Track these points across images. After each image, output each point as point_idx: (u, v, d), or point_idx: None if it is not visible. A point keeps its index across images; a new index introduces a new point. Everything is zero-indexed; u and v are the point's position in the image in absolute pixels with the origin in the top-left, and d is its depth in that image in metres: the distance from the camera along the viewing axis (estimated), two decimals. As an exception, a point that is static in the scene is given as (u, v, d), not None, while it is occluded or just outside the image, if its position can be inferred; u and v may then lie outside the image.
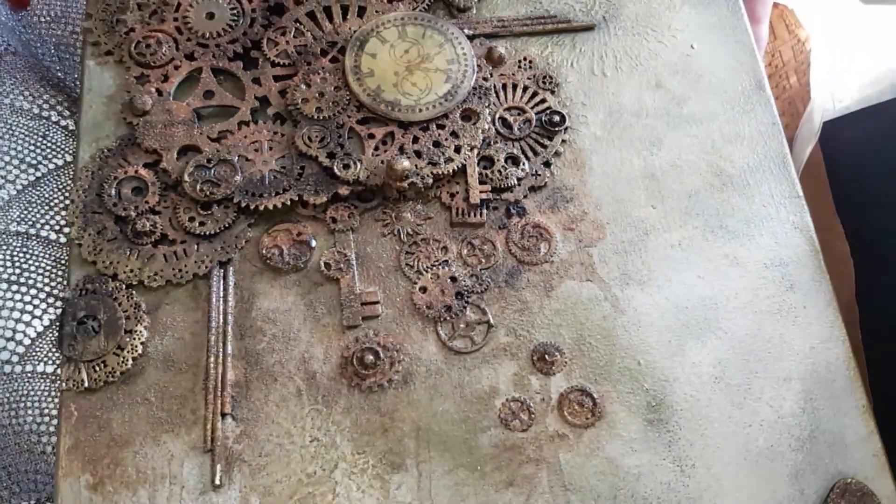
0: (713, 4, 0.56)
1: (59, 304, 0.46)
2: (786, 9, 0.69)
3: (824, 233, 0.59)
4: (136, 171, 0.48)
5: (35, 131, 0.50)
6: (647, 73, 0.53)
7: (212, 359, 0.44)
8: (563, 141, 0.51)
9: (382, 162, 0.48)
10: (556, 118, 0.51)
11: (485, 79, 0.51)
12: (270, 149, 0.49)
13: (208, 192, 0.47)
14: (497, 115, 0.51)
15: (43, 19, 0.56)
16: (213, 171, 0.48)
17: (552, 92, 0.52)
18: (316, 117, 0.49)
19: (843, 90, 0.67)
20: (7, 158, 0.48)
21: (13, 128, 0.49)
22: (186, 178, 0.47)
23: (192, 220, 0.47)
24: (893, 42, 0.69)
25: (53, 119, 0.51)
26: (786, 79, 0.68)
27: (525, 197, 0.49)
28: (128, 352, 0.44)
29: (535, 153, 0.50)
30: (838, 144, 0.64)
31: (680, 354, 0.46)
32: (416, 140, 0.49)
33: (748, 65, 0.54)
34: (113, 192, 0.47)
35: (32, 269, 0.47)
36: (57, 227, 0.48)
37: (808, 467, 0.44)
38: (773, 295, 0.47)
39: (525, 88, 0.52)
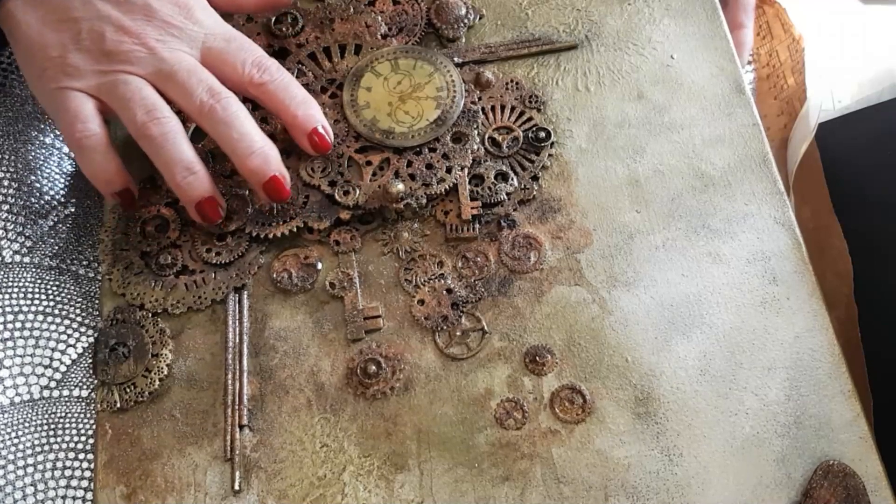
0: (692, 14, 0.58)
1: (90, 332, 0.51)
2: (781, 8, 0.70)
3: (822, 232, 0.61)
4: (159, 210, 0.53)
5: (65, 170, 0.55)
6: (629, 86, 0.56)
7: (230, 376, 0.48)
8: (550, 155, 0.54)
9: (380, 186, 0.52)
10: (543, 134, 0.54)
11: (473, 102, 0.55)
12: (277, 181, 0.53)
13: (222, 225, 0.51)
14: (486, 136, 0.54)
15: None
16: (226, 206, 0.52)
17: (538, 110, 0.55)
18: (318, 149, 0.53)
19: (842, 90, 0.68)
20: (40, 194, 0.53)
21: (47, 163, 0.55)
22: (203, 213, 0.52)
23: (209, 251, 0.51)
24: (893, 42, 0.70)
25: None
26: (783, 78, 0.69)
27: (515, 210, 0.52)
28: (155, 374, 0.48)
29: (524, 168, 0.53)
30: (837, 144, 0.65)
31: (666, 350, 0.48)
32: (410, 164, 0.53)
33: (727, 70, 0.56)
34: (138, 230, 0.52)
35: (65, 301, 0.51)
36: (85, 263, 0.53)
37: (795, 452, 0.45)
38: (756, 288, 0.49)
39: (512, 109, 0.55)
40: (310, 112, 0.51)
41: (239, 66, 0.50)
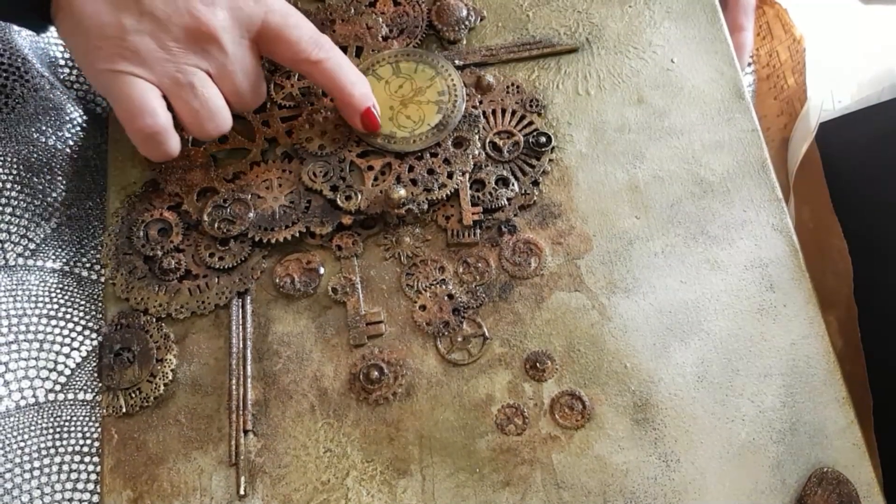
0: (693, 17, 0.58)
1: (94, 336, 0.51)
2: (781, 8, 0.70)
3: (822, 232, 0.61)
4: (161, 214, 0.53)
5: (67, 172, 0.56)
6: (630, 90, 0.56)
7: (234, 381, 0.49)
8: (551, 160, 0.54)
9: (381, 191, 0.52)
10: (543, 139, 0.54)
11: (474, 107, 0.55)
12: (280, 185, 0.53)
13: (225, 230, 0.52)
14: (487, 140, 0.54)
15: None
16: (228, 210, 0.52)
17: (539, 114, 0.55)
18: (319, 154, 0.53)
19: (842, 90, 0.68)
20: (42, 197, 0.54)
21: (49, 166, 0.55)
22: (206, 217, 0.52)
23: (212, 255, 0.52)
24: (893, 42, 0.70)
25: (83, 161, 0.56)
26: (783, 79, 0.69)
27: (515, 215, 0.53)
28: (160, 379, 0.49)
29: (524, 173, 0.54)
30: (837, 144, 0.66)
31: (664, 356, 0.49)
32: (411, 169, 0.53)
33: (727, 74, 0.56)
34: (141, 234, 0.52)
35: (69, 304, 0.52)
36: (88, 265, 0.53)
37: (790, 458, 0.46)
38: (753, 295, 0.50)
39: (513, 113, 0.55)
40: (364, 91, 0.52)
41: (295, 42, 0.50)
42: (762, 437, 0.47)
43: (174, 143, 0.49)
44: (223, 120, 0.50)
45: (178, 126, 0.49)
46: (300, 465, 0.47)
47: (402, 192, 0.51)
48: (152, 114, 0.47)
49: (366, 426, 0.48)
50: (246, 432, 0.48)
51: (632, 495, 0.46)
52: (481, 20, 0.59)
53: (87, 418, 0.49)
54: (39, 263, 0.52)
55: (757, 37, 0.70)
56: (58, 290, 0.52)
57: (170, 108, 0.48)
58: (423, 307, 0.50)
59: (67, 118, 0.57)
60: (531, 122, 0.55)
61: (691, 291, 0.50)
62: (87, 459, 0.48)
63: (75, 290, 0.52)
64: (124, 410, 0.48)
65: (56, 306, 0.51)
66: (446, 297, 0.51)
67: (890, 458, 0.49)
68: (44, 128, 0.56)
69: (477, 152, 0.54)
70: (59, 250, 0.53)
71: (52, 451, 0.48)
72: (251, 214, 0.52)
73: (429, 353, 0.49)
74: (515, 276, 0.51)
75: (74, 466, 0.48)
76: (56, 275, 0.52)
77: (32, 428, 0.48)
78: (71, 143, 0.56)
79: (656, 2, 0.59)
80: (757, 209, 0.52)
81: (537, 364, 0.49)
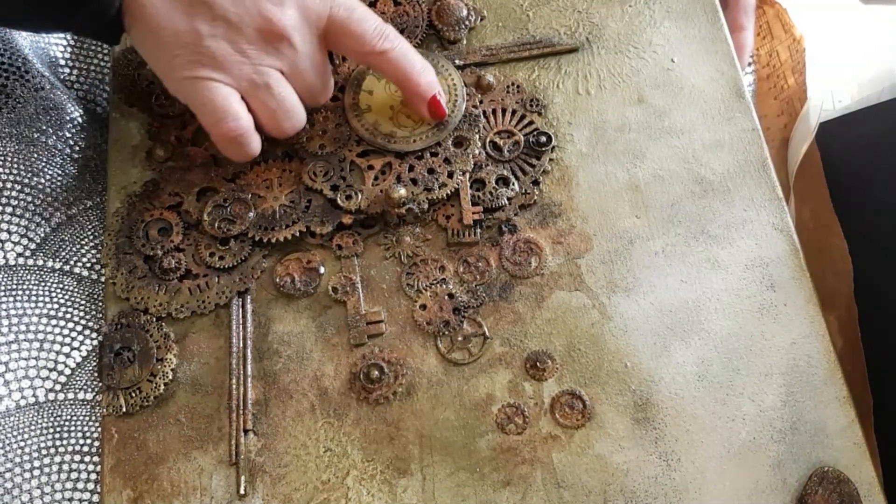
0: (693, 17, 0.58)
1: (94, 335, 0.51)
2: (781, 8, 0.70)
3: (822, 231, 0.61)
4: (161, 214, 0.53)
5: (67, 172, 0.56)
6: (630, 89, 0.56)
7: (234, 380, 0.49)
8: (551, 159, 0.54)
9: (381, 191, 0.52)
10: (544, 138, 0.54)
11: (474, 106, 0.55)
12: (280, 185, 0.53)
13: (225, 229, 0.52)
14: (487, 140, 0.54)
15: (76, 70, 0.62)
16: (229, 210, 0.52)
17: (539, 114, 0.55)
18: (320, 153, 0.53)
19: (842, 90, 0.68)
20: (42, 196, 0.54)
21: (49, 165, 0.55)
22: (206, 217, 0.52)
23: (212, 255, 0.52)
24: (893, 42, 0.70)
25: (83, 161, 0.56)
26: (784, 79, 0.70)
27: (515, 215, 0.53)
28: (160, 378, 0.49)
29: (524, 172, 0.54)
30: (837, 144, 0.66)
31: (665, 356, 0.48)
32: (411, 168, 0.53)
33: (728, 74, 0.56)
34: (141, 233, 0.52)
35: (69, 303, 0.52)
36: (88, 265, 0.53)
37: (790, 457, 0.46)
38: (754, 294, 0.50)
39: (513, 112, 0.55)
40: (431, 79, 0.52)
41: (360, 35, 0.50)
42: (763, 437, 0.47)
43: (256, 144, 0.50)
44: (299, 117, 0.51)
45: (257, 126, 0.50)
46: (300, 465, 0.47)
47: (403, 191, 0.51)
48: (235, 117, 0.48)
49: (366, 425, 0.48)
50: (246, 432, 0.48)
51: (632, 494, 0.46)
52: (481, 20, 0.59)
53: (87, 418, 0.49)
54: (40, 263, 0.52)
55: (757, 37, 0.70)
56: (58, 290, 0.52)
57: (249, 109, 0.49)
58: (424, 306, 0.50)
59: (68, 118, 0.57)
60: (531, 122, 0.55)
61: (692, 291, 0.50)
62: (87, 459, 0.48)
63: (75, 289, 0.52)
64: (124, 410, 0.48)
65: (56, 306, 0.51)
66: (447, 297, 0.51)
67: (890, 458, 0.49)
68: (44, 128, 0.56)
69: (477, 152, 0.54)
70: (60, 250, 0.53)
71: (53, 450, 0.48)
72: (251, 214, 0.52)
73: (429, 352, 0.49)
74: (516, 275, 0.51)
75: (74, 466, 0.48)
76: (56, 274, 0.52)
77: (32, 427, 0.48)
78: (71, 143, 0.56)
79: (656, 1, 0.59)
80: (757, 209, 0.52)
81: (538, 363, 0.49)
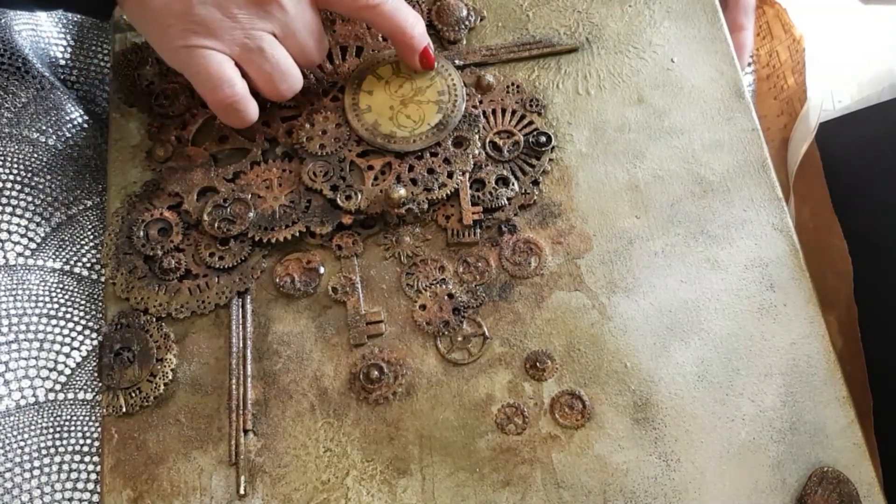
0: (693, 17, 0.58)
1: (94, 335, 0.51)
2: (781, 8, 0.70)
3: (822, 231, 0.61)
4: (161, 214, 0.53)
5: (67, 172, 0.56)
6: (630, 90, 0.56)
7: (234, 380, 0.49)
8: (551, 160, 0.54)
9: (381, 191, 0.52)
10: (543, 138, 0.54)
11: (474, 106, 0.55)
12: (280, 185, 0.53)
13: (225, 229, 0.52)
14: (487, 140, 0.54)
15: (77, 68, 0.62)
16: (229, 210, 0.52)
17: (539, 114, 0.55)
18: (319, 153, 0.53)
19: (842, 90, 0.68)
20: (42, 196, 0.54)
21: (49, 165, 0.55)
22: (206, 217, 0.52)
23: (212, 255, 0.52)
24: (893, 42, 0.70)
25: (83, 161, 0.56)
26: (783, 79, 0.70)
27: (515, 215, 0.53)
28: (160, 378, 0.49)
29: (524, 173, 0.54)
30: (837, 144, 0.66)
31: (664, 356, 0.48)
32: (411, 168, 0.53)
33: (727, 74, 0.56)
34: (141, 233, 0.52)
35: (69, 303, 0.52)
36: (88, 265, 0.54)
37: (790, 458, 0.46)
38: (753, 295, 0.50)
39: (513, 112, 0.55)
40: (422, 31, 0.53)
41: None
42: (762, 437, 0.47)
43: (253, 110, 0.51)
44: (295, 79, 0.51)
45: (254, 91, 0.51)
46: (300, 465, 0.47)
47: (402, 191, 0.51)
48: (230, 83, 0.48)
49: (366, 426, 0.48)
50: (246, 432, 0.48)
51: (632, 494, 0.46)
52: (481, 20, 0.59)
53: (87, 418, 0.49)
54: (40, 263, 0.52)
55: (757, 37, 0.70)
56: (58, 290, 0.52)
57: (244, 75, 0.50)
58: (423, 307, 0.50)
59: (67, 118, 0.57)
60: (531, 122, 0.55)
61: (691, 291, 0.50)
62: (87, 459, 0.48)
63: (75, 289, 0.52)
64: (124, 410, 0.48)
65: (56, 306, 0.51)
66: (446, 297, 0.51)
67: (890, 458, 0.49)
68: (44, 128, 0.56)
69: (477, 152, 0.54)
70: (60, 250, 0.53)
71: (52, 450, 0.48)
72: (251, 214, 0.52)
73: (429, 352, 0.49)
74: (515, 275, 0.51)
75: (74, 466, 0.48)
76: (56, 274, 0.52)
77: (32, 427, 0.48)
78: (71, 143, 0.56)
79: (656, 1, 0.59)
80: (757, 209, 0.52)
81: (537, 363, 0.49)
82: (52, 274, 0.52)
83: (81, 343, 0.51)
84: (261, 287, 0.52)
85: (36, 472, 0.47)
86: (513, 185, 0.53)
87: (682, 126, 0.55)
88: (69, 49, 0.61)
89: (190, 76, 0.49)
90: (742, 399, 0.47)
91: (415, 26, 0.52)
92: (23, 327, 0.50)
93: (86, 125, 0.57)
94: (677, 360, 0.48)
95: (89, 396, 0.50)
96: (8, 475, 0.47)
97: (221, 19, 0.47)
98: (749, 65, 0.69)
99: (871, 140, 0.65)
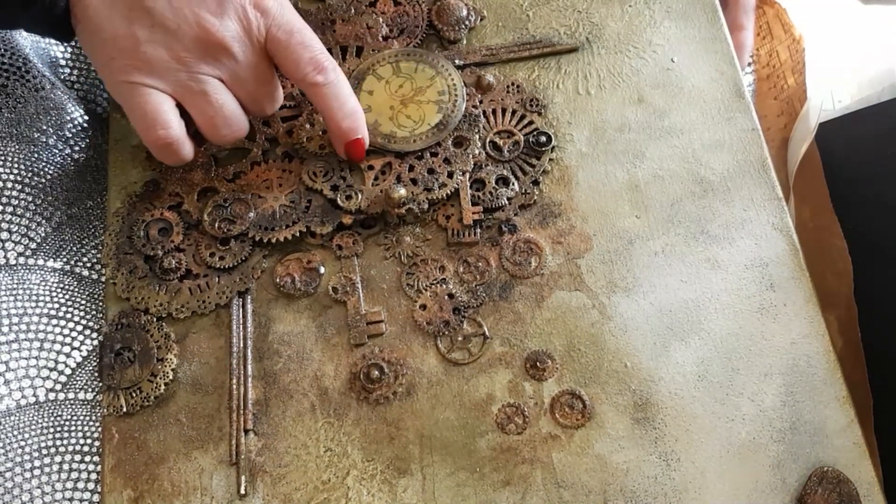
0: (693, 17, 0.58)
1: (95, 335, 0.51)
2: (781, 8, 0.70)
3: (822, 231, 0.61)
4: (162, 214, 0.53)
5: (67, 172, 0.56)
6: (630, 89, 0.56)
7: (234, 380, 0.49)
8: (551, 159, 0.54)
9: (381, 191, 0.52)
10: (543, 138, 0.54)
11: (474, 106, 0.55)
12: (280, 185, 0.53)
13: (226, 229, 0.52)
14: (487, 140, 0.54)
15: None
16: (229, 210, 0.52)
17: (539, 114, 0.55)
18: (320, 153, 0.54)
19: (842, 90, 0.68)
20: (43, 196, 0.54)
21: (50, 165, 0.55)
22: (206, 217, 0.52)
23: (212, 255, 0.52)
24: (893, 42, 0.70)
25: (83, 161, 0.57)
26: (783, 79, 0.70)
27: (515, 215, 0.53)
28: (160, 378, 0.49)
29: (524, 172, 0.54)
30: (837, 144, 0.66)
31: (665, 356, 0.49)
32: (411, 168, 0.53)
33: (728, 74, 0.56)
34: (142, 233, 0.52)
35: (70, 303, 0.52)
36: (89, 265, 0.54)
37: (790, 457, 0.46)
38: (753, 294, 0.50)
39: (513, 112, 0.55)
40: (355, 125, 0.52)
41: (296, 62, 0.50)
42: (762, 436, 0.47)
43: (187, 151, 0.50)
44: (239, 125, 0.50)
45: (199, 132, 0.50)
46: (301, 465, 0.47)
47: (403, 191, 0.51)
48: (164, 125, 0.48)
49: (366, 425, 0.48)
50: (246, 432, 0.48)
51: (632, 494, 0.46)
52: (481, 20, 0.59)
53: (87, 418, 0.49)
54: (40, 262, 0.52)
55: (757, 37, 0.70)
56: (58, 290, 0.52)
57: (186, 115, 0.49)
58: (424, 306, 0.51)
59: (68, 118, 0.57)
60: (531, 122, 0.55)
61: (691, 291, 0.50)
62: (87, 459, 0.48)
63: (76, 289, 0.52)
64: (125, 410, 0.48)
65: (57, 305, 0.51)
66: (447, 297, 0.51)
67: (890, 458, 0.49)
68: (44, 127, 0.56)
69: (477, 152, 0.54)
70: (60, 249, 0.53)
71: (53, 450, 0.48)
72: (251, 214, 0.52)
73: (429, 352, 0.49)
74: (516, 275, 0.51)
75: (75, 466, 0.48)
76: (57, 274, 0.52)
77: (33, 427, 0.48)
78: (71, 143, 0.56)
79: (656, 1, 0.59)
80: (757, 208, 0.52)
81: (537, 363, 0.49)
82: (52, 274, 0.52)
83: (82, 343, 0.51)
84: (261, 287, 0.52)
85: (36, 472, 0.47)
86: (513, 184, 0.53)
87: (682, 126, 0.55)
88: (69, 49, 0.61)
89: (127, 111, 0.49)
90: (742, 399, 0.47)
91: (346, 118, 0.51)
92: (23, 327, 0.50)
93: (86, 125, 0.57)
94: (677, 360, 0.48)
95: (90, 396, 0.50)
96: (8, 475, 0.47)
97: (167, 60, 0.47)
98: (749, 65, 0.69)
99: (871, 140, 0.65)
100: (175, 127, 0.48)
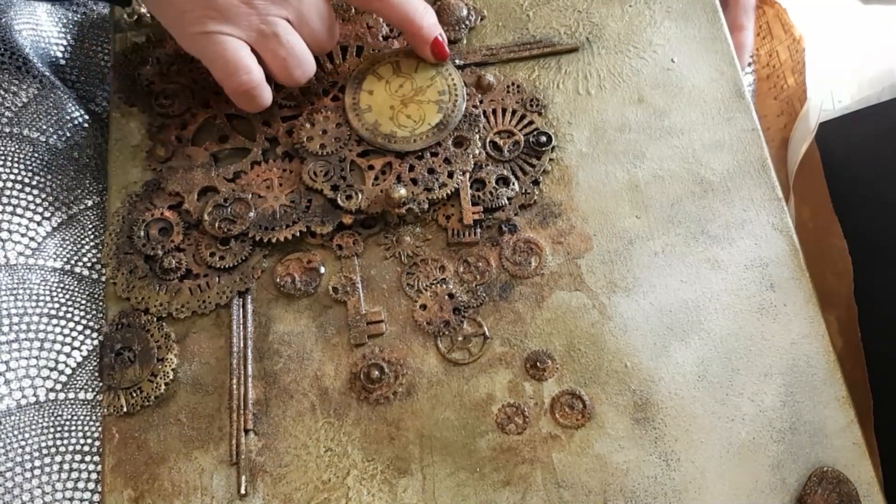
0: (693, 17, 0.58)
1: (95, 335, 0.51)
2: (781, 8, 0.70)
3: (822, 231, 0.61)
4: (162, 213, 0.53)
5: (68, 171, 0.56)
6: (630, 89, 0.56)
7: (234, 380, 0.49)
8: (551, 159, 0.54)
9: (382, 191, 0.52)
10: (544, 138, 0.54)
11: (475, 106, 0.55)
12: (280, 185, 0.53)
13: (226, 229, 0.52)
14: (487, 140, 0.54)
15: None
16: (229, 209, 0.52)
17: (539, 114, 0.55)
18: (320, 153, 0.53)
19: (842, 90, 0.68)
20: (43, 196, 0.54)
21: (50, 165, 0.55)
22: (206, 216, 0.52)
23: (212, 255, 0.52)
24: (893, 42, 0.70)
25: (83, 161, 0.57)
26: (783, 79, 0.70)
27: (516, 215, 0.53)
28: (161, 378, 0.49)
29: (525, 172, 0.54)
30: (837, 144, 0.66)
31: (664, 356, 0.49)
32: (412, 168, 0.53)
33: (728, 74, 0.56)
34: (142, 233, 0.52)
35: (70, 303, 0.52)
36: (89, 265, 0.54)
37: (790, 457, 0.46)
38: (753, 295, 0.50)
39: (513, 112, 0.55)
40: (433, 21, 0.53)
41: None
42: (762, 437, 0.47)
43: (268, 96, 0.52)
44: (308, 65, 0.52)
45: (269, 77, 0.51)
46: (301, 465, 0.47)
47: (403, 191, 0.51)
48: (247, 70, 0.49)
49: (366, 425, 0.48)
50: (247, 431, 0.48)
51: (632, 494, 0.46)
52: (481, 20, 0.59)
53: (87, 417, 0.49)
54: (41, 262, 0.52)
55: (757, 37, 0.70)
56: (59, 289, 0.52)
57: (259, 60, 0.51)
58: (424, 306, 0.51)
59: (68, 117, 0.57)
60: (531, 122, 0.55)
61: (691, 291, 0.50)
62: (87, 459, 0.48)
63: (76, 289, 0.52)
64: (125, 410, 0.48)
65: (57, 305, 0.51)
66: (447, 297, 0.51)
67: (890, 458, 0.50)
68: (45, 127, 0.56)
69: (477, 152, 0.54)
70: (60, 249, 0.53)
71: (53, 450, 0.48)
72: (252, 214, 0.52)
73: (429, 352, 0.49)
74: (516, 275, 0.51)
75: (75, 466, 0.48)
76: (57, 274, 0.52)
77: (33, 427, 0.48)
78: (72, 142, 0.56)
79: (656, 1, 0.59)
80: (757, 209, 0.52)
81: (538, 363, 0.49)
82: (52, 273, 0.52)
83: (82, 343, 0.51)
84: (261, 287, 0.52)
85: (37, 472, 0.47)
86: (513, 184, 0.53)
87: (682, 126, 0.55)
88: (69, 48, 0.61)
89: (207, 62, 0.50)
90: (742, 399, 0.47)
91: (423, 17, 0.53)
92: (24, 327, 0.50)
93: (86, 125, 0.57)
94: (677, 360, 0.48)
95: (90, 396, 0.50)
96: (8, 475, 0.47)
97: (238, 5, 0.48)
98: (749, 65, 0.69)
99: (871, 140, 0.65)
100: (255, 71, 0.50)
